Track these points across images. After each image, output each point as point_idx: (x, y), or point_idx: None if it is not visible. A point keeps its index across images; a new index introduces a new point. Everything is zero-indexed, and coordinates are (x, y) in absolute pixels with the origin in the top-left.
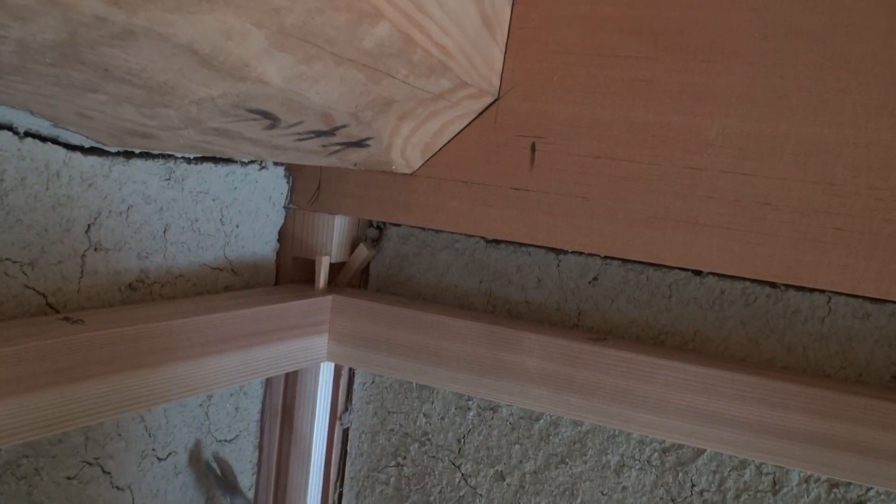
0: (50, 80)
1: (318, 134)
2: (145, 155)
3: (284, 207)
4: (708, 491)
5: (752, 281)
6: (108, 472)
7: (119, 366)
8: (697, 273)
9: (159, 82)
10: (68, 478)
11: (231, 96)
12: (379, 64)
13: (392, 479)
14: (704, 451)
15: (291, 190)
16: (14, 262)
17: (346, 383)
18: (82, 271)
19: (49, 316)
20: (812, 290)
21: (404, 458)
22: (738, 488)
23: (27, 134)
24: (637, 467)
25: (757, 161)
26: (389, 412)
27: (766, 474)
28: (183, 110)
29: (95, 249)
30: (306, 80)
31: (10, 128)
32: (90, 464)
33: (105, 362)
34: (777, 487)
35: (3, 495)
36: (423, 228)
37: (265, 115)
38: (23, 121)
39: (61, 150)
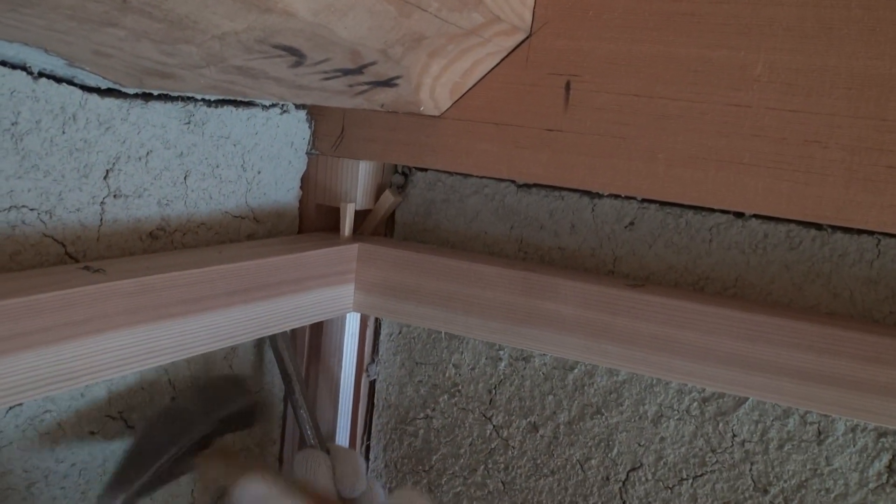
0: (65, 14)
1: (346, 72)
2: (164, 97)
3: (307, 153)
4: (750, 441)
5: (798, 223)
6: (132, 427)
7: (143, 317)
8: (739, 216)
9: (180, 15)
10: (91, 432)
11: (256, 31)
12: None
13: (421, 432)
14: (746, 400)
15: (314, 135)
16: (31, 209)
17: (372, 334)
18: (102, 219)
19: (69, 265)
20: (860, 232)
21: (433, 409)
22: (782, 438)
23: (41, 74)
24: (676, 417)
25: (805, 97)
26: (417, 363)
27: (811, 423)
28: (205, 47)
29: (115, 196)
30: (335, 12)
31: (23, 67)
32: (113, 418)
33: (128, 313)
34: (822, 437)
35: (26, 451)
36: (451, 173)
37: (291, 51)
38: (37, 60)
39: (77, 92)
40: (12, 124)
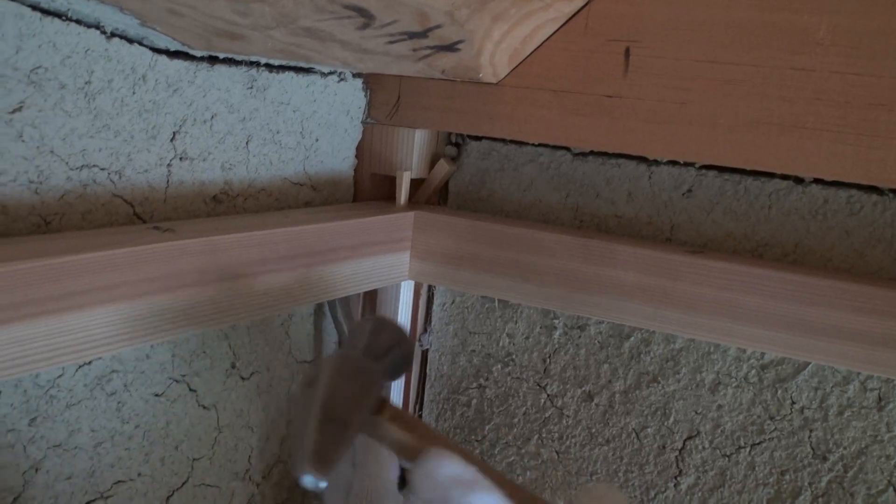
0: None
1: (411, 36)
2: (229, 61)
3: (362, 122)
4: (809, 408)
5: (858, 188)
6: (195, 391)
7: (211, 277)
8: (799, 181)
9: None
10: (156, 395)
11: None
12: None
13: (474, 401)
14: (805, 367)
15: (369, 103)
16: (102, 168)
17: (425, 304)
18: (168, 181)
19: (138, 225)
20: None
21: (486, 379)
22: (842, 405)
23: (114, 34)
24: (734, 385)
25: (869, 60)
26: (471, 333)
27: (871, 390)
28: (278, 6)
29: (181, 159)
30: None
31: (97, 27)
32: (177, 381)
33: (197, 273)
34: (883, 403)
35: (93, 411)
36: (506, 142)
37: (361, 11)
38: (111, 19)
39: (147, 53)
40: (86, 83)
